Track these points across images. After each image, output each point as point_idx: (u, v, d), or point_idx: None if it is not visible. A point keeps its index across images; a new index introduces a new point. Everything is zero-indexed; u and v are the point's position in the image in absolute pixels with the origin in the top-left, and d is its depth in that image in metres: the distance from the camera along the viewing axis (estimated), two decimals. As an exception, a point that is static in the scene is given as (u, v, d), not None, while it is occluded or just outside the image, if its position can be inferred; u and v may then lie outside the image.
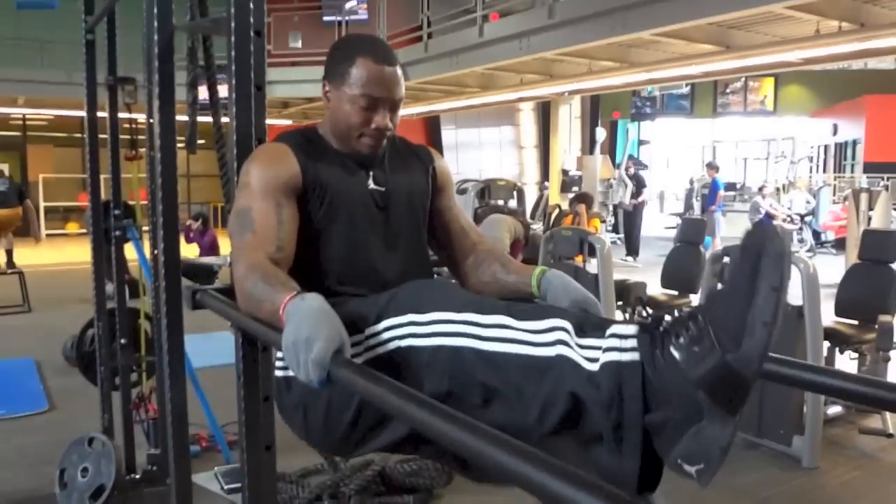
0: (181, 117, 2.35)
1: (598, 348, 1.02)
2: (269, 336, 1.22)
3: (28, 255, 8.71)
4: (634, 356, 0.98)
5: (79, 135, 2.97)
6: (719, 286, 0.99)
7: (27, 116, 15.51)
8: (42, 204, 14.68)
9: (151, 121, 1.81)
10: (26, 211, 7.86)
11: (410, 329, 1.19)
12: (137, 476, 3.11)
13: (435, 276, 1.67)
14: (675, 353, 0.95)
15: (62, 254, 11.71)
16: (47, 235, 14.72)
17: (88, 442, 3.01)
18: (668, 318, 1.00)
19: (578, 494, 0.67)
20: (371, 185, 1.50)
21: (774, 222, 12.08)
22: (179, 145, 2.70)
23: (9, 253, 7.67)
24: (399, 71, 1.46)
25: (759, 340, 0.89)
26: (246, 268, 1.29)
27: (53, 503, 2.95)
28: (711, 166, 11.84)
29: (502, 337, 1.10)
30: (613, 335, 1.02)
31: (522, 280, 1.48)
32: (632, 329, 1.01)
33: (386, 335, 1.21)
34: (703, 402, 0.92)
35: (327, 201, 1.44)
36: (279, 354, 1.37)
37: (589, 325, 1.08)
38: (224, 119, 1.72)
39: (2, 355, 5.42)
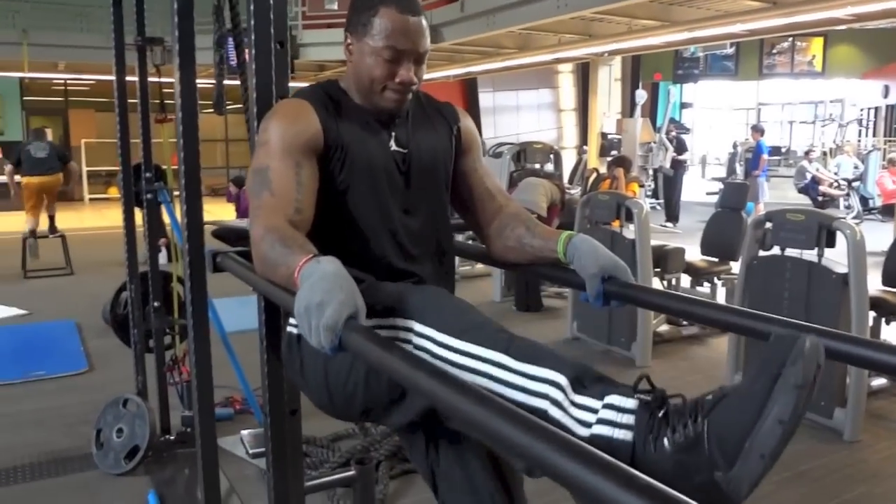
0: (211, 81, 2.33)
1: (594, 411, 0.98)
2: (285, 300, 1.18)
3: (70, 220, 8.87)
4: (627, 435, 0.95)
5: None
6: (731, 385, 0.93)
7: (68, 82, 15.68)
8: (84, 168, 14.91)
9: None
10: (71, 172, 8.00)
11: (406, 335, 1.16)
12: (172, 437, 3.15)
13: (457, 237, 1.62)
14: (668, 448, 0.91)
15: (104, 217, 11.94)
16: (90, 199, 15.02)
17: (123, 403, 3.06)
18: (672, 400, 0.95)
19: (583, 472, 0.65)
20: (393, 146, 1.44)
21: (820, 187, 11.74)
22: (209, 109, 2.66)
23: (51, 218, 7.81)
24: (424, 21, 1.38)
25: (751, 470, 0.84)
26: (263, 230, 1.25)
27: (91, 462, 3.01)
28: (756, 129, 11.55)
29: (498, 377, 1.07)
30: (611, 406, 0.98)
31: (548, 245, 1.42)
32: (631, 403, 0.97)
33: (384, 332, 1.17)
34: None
35: (348, 163, 1.39)
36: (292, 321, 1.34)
37: (589, 378, 1.03)
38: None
39: (45, 316, 5.57)
